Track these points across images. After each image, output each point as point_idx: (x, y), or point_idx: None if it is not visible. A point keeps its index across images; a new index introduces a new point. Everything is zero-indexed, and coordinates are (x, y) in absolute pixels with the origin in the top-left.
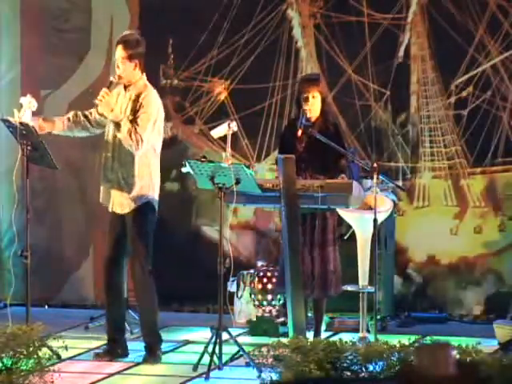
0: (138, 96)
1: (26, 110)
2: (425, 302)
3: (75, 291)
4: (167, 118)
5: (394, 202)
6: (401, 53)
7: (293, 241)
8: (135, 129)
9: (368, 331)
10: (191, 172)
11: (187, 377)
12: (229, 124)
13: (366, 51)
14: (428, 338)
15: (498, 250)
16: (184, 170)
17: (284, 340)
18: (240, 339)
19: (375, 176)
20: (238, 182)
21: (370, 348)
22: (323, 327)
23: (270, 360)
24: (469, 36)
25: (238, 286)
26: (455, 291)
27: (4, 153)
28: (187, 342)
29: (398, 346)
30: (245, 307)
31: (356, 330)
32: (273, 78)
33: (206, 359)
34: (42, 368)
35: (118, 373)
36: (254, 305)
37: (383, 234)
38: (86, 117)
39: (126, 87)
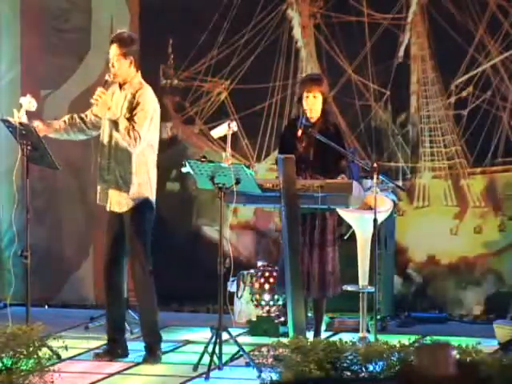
0: (133, 94)
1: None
2: (425, 302)
3: (75, 291)
4: (167, 118)
5: (394, 201)
6: (401, 53)
7: (293, 241)
8: (133, 126)
9: (368, 331)
10: (191, 172)
11: (187, 377)
12: (229, 124)
13: (366, 51)
14: (428, 337)
15: (498, 250)
16: (184, 169)
17: (284, 340)
18: (240, 339)
19: (375, 176)
20: (238, 181)
21: (369, 348)
22: (323, 327)
23: (270, 360)
24: (469, 36)
25: (238, 286)
26: (455, 291)
27: (4, 153)
28: (187, 342)
29: (398, 346)
30: (245, 307)
31: (356, 330)
32: (273, 77)
33: (206, 359)
34: (42, 368)
35: (118, 373)
36: (254, 305)
37: (383, 233)
38: (81, 119)
39: (121, 86)
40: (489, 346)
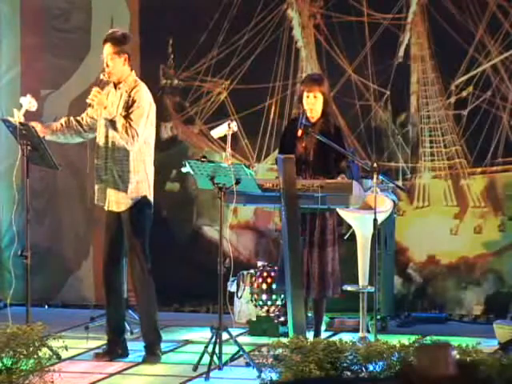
0: (129, 92)
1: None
2: (425, 302)
3: (75, 291)
4: (167, 118)
5: (394, 202)
6: (401, 53)
7: (293, 241)
8: (130, 124)
9: (368, 331)
10: (191, 172)
11: (187, 377)
12: (229, 124)
13: (366, 51)
14: (428, 337)
15: (498, 250)
16: (184, 170)
17: (284, 340)
18: (240, 339)
19: (375, 176)
20: (238, 181)
21: (369, 348)
22: (323, 327)
23: (270, 360)
24: (469, 36)
25: (238, 285)
26: (455, 291)
27: (4, 153)
28: (187, 342)
29: (397, 345)
30: (245, 307)
31: (356, 330)
32: (273, 78)
33: (206, 359)
34: (42, 368)
35: (118, 373)
36: (254, 305)
37: (383, 234)
38: (78, 122)
39: (115, 86)
40: (489, 345)
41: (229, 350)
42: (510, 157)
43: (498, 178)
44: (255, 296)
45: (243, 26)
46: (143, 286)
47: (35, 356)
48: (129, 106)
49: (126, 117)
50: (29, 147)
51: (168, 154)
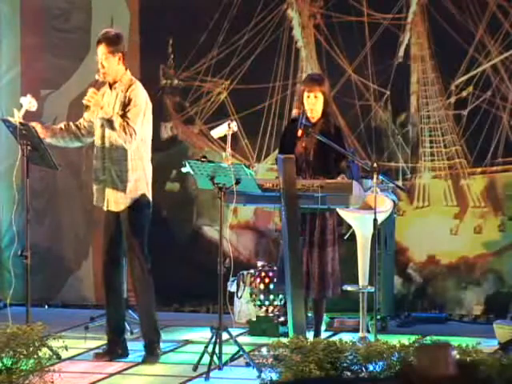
0: (125, 91)
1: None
2: (425, 302)
3: (75, 291)
4: (167, 118)
5: (394, 202)
6: (401, 53)
7: (293, 241)
8: (127, 123)
9: (368, 331)
10: (191, 172)
11: (187, 377)
12: (229, 124)
13: (366, 51)
14: (428, 337)
15: (498, 250)
16: (184, 170)
17: (284, 340)
18: (240, 339)
19: (375, 176)
20: (238, 181)
21: (369, 348)
22: (323, 327)
23: (270, 360)
24: (469, 36)
25: (238, 286)
26: (455, 291)
27: (4, 153)
28: (187, 342)
29: (397, 346)
30: (245, 307)
31: (356, 330)
32: (273, 78)
33: (206, 359)
34: (42, 368)
35: (118, 373)
36: (254, 305)
37: (383, 234)
38: (76, 126)
39: (111, 86)
40: (489, 345)
41: (229, 350)
42: (510, 157)
43: (498, 178)
44: (258, 296)
45: (243, 26)
46: (143, 286)
47: (35, 356)
48: (125, 105)
49: (123, 116)
50: (29, 147)
51: (168, 153)
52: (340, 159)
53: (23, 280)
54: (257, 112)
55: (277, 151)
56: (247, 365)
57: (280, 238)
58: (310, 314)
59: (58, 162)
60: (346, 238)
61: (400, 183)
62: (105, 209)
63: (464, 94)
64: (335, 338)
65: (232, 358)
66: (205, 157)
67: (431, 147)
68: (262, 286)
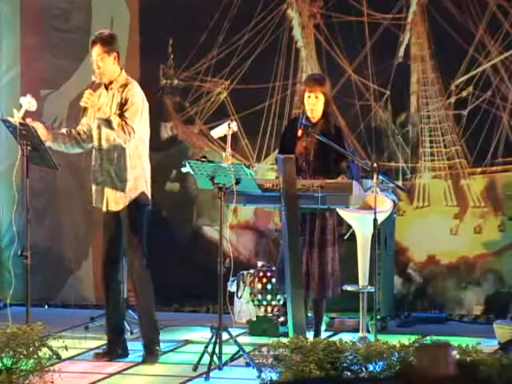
0: (121, 91)
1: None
2: (425, 302)
3: (75, 291)
4: (167, 118)
5: (394, 202)
6: (401, 53)
7: (293, 241)
8: (125, 122)
9: (368, 331)
10: (191, 172)
11: (187, 377)
12: (229, 124)
13: (366, 51)
14: (428, 337)
15: (498, 250)
16: (184, 170)
17: (284, 340)
18: (240, 339)
19: (375, 176)
20: (238, 181)
21: (369, 348)
22: (323, 327)
23: (270, 360)
24: (469, 36)
25: (238, 286)
26: (455, 291)
27: (4, 153)
28: (187, 342)
29: (397, 345)
30: (245, 307)
31: (356, 330)
32: (273, 78)
33: (206, 359)
34: (42, 368)
35: (118, 373)
36: (254, 305)
37: (383, 234)
38: (77, 132)
39: (106, 87)
40: (489, 346)
41: (229, 350)
42: (510, 157)
43: (498, 178)
44: (258, 296)
45: (243, 26)
46: (142, 283)
47: (35, 356)
48: (122, 105)
49: (121, 115)
50: (29, 147)
51: (168, 153)
52: (340, 159)
53: (23, 280)
54: (257, 112)
55: (277, 151)
56: (247, 365)
57: (280, 237)
58: (310, 314)
59: (58, 162)
60: (346, 237)
61: (400, 183)
62: (104, 209)
63: (464, 93)
64: (335, 338)
65: (232, 358)
66: (205, 157)
67: (431, 147)
68: (259, 286)
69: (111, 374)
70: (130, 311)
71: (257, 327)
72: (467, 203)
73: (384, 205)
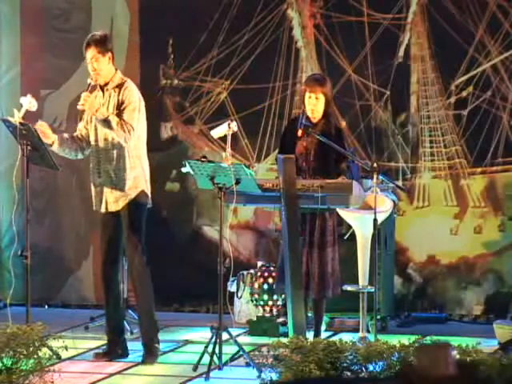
0: (118, 91)
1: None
2: (425, 302)
3: (75, 291)
4: (167, 118)
5: (394, 202)
6: (401, 53)
7: (293, 241)
8: (124, 120)
9: (368, 331)
10: (191, 172)
11: (187, 377)
12: (229, 124)
13: (366, 51)
14: (428, 337)
15: (498, 250)
16: (184, 170)
17: (284, 340)
18: (240, 339)
19: (375, 176)
20: (238, 181)
21: (369, 348)
22: (323, 327)
23: (270, 360)
24: (469, 36)
25: (238, 286)
26: (455, 291)
27: (4, 153)
28: (187, 342)
29: (397, 345)
30: (245, 307)
31: (356, 330)
32: (273, 78)
33: (206, 359)
34: (42, 368)
35: (118, 373)
36: (254, 305)
37: (383, 234)
38: (78, 138)
39: (102, 88)
40: (489, 345)
41: (229, 350)
42: (510, 157)
43: (498, 178)
44: (256, 296)
45: (243, 25)
46: (142, 282)
47: (35, 356)
48: (120, 105)
49: (119, 114)
50: (29, 147)
51: (168, 153)
52: (340, 160)
53: (23, 280)
54: (257, 112)
55: (277, 151)
56: (247, 365)
57: (280, 237)
58: (310, 314)
59: (58, 162)
60: (346, 237)
61: (400, 183)
62: (103, 211)
63: (464, 93)
64: (335, 338)
65: (232, 358)
66: (205, 157)
67: (431, 147)
68: (266, 286)
69: (111, 374)
70: (129, 311)
71: (257, 327)
72: (467, 203)
73: (384, 205)
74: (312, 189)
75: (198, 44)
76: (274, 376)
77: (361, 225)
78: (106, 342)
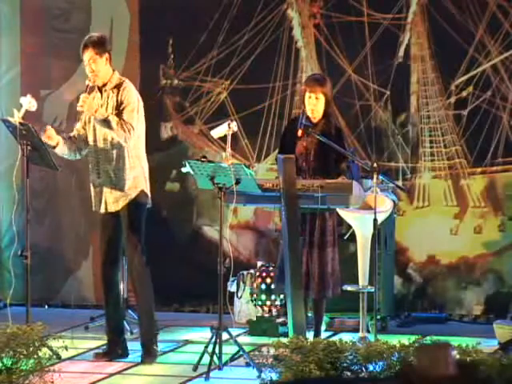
0: (116, 91)
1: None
2: (425, 302)
3: (75, 291)
4: (167, 118)
5: (394, 201)
6: (401, 53)
7: (293, 241)
8: (124, 120)
9: (368, 331)
10: (191, 172)
11: (187, 377)
12: (229, 124)
13: (366, 51)
14: (428, 337)
15: (498, 250)
16: (184, 170)
17: (284, 340)
18: (240, 339)
19: (375, 176)
20: (238, 181)
21: (369, 348)
22: (323, 327)
23: (270, 360)
24: (469, 36)
25: (238, 286)
26: (455, 291)
27: (4, 153)
28: (187, 342)
29: (397, 346)
30: (245, 307)
31: (356, 330)
32: (273, 78)
33: (206, 359)
34: (42, 368)
35: (118, 373)
36: (254, 305)
37: (383, 234)
38: (75, 138)
39: (100, 89)
40: (489, 346)
41: (229, 350)
42: (510, 157)
43: (498, 178)
44: (258, 296)
45: (243, 26)
46: (142, 282)
47: (35, 356)
48: (118, 105)
49: (118, 115)
50: (29, 147)
51: (168, 153)
52: (340, 160)
53: (23, 280)
54: (257, 112)
55: (277, 151)
56: (247, 365)
57: (280, 237)
58: (310, 314)
59: (58, 162)
60: (345, 237)
61: (400, 183)
62: (103, 211)
63: (464, 93)
64: (335, 338)
65: (232, 358)
66: (205, 157)
67: (431, 147)
68: (266, 286)
69: (111, 374)
70: (129, 311)
71: (257, 327)
72: (467, 203)
73: (384, 205)
74: (312, 189)
75: (198, 44)
76: (274, 376)
77: (361, 225)
78: (105, 342)
